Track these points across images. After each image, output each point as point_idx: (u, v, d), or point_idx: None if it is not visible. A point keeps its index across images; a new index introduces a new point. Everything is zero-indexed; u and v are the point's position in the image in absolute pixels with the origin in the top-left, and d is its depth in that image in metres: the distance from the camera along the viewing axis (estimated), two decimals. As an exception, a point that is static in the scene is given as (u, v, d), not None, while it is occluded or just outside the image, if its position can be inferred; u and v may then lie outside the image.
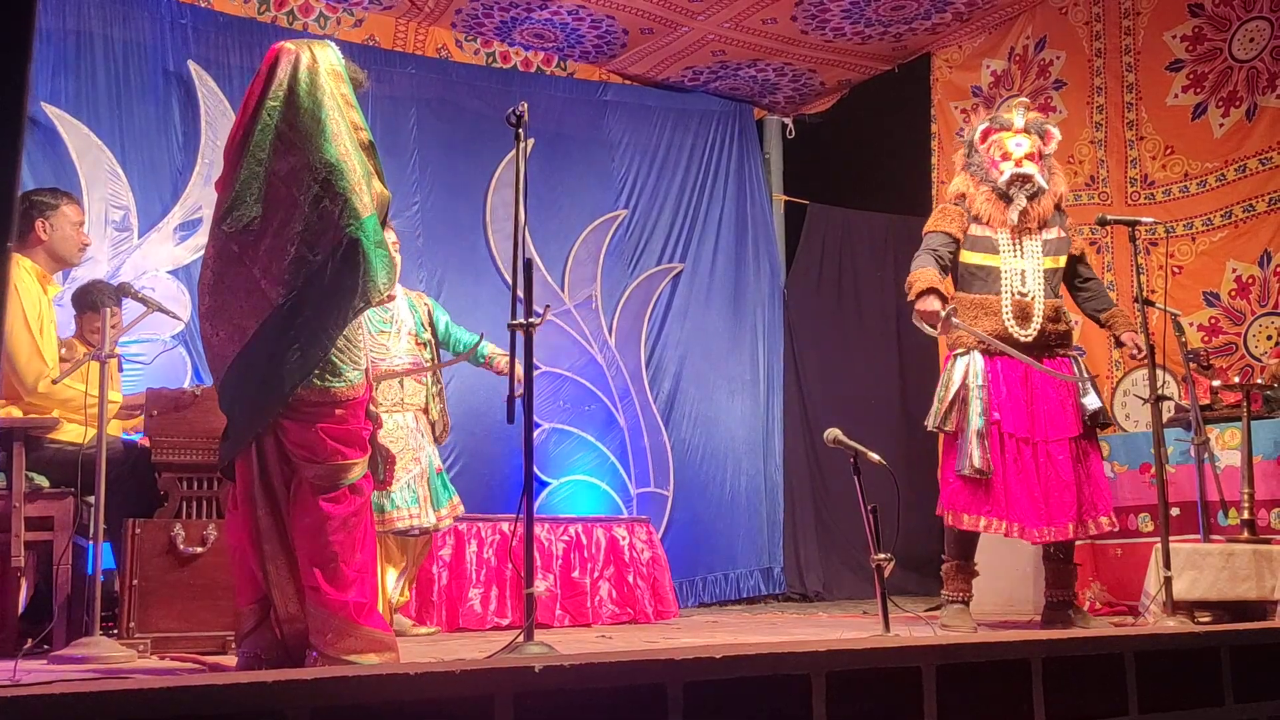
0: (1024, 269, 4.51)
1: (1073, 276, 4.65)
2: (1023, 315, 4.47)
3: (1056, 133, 4.69)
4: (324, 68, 2.96)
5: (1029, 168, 4.51)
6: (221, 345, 2.88)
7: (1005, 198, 4.53)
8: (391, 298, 3.04)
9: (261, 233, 2.86)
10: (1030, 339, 4.45)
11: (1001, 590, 5.61)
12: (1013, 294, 4.49)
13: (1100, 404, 4.46)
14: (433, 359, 4.92)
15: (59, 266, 4.26)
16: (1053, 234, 4.57)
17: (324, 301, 2.83)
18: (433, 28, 6.75)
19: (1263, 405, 4.66)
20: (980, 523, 4.47)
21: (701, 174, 7.55)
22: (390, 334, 4.74)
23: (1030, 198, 4.49)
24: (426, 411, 4.89)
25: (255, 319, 2.83)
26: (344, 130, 2.92)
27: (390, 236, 4.67)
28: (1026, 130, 4.60)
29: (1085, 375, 4.51)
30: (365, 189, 2.90)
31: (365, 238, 2.86)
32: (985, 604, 5.64)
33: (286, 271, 2.83)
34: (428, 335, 4.93)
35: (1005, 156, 4.55)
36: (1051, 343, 4.50)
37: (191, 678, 1.49)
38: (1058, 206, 4.61)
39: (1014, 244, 4.53)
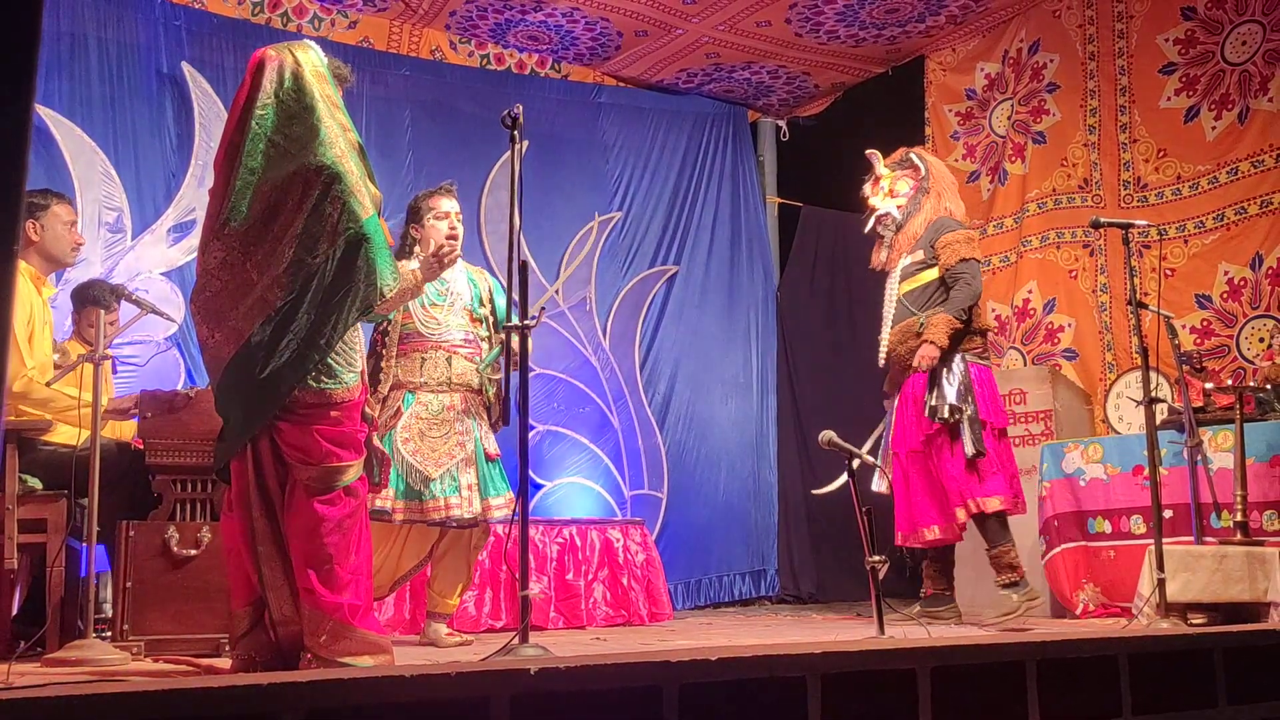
0: (886, 301, 5.03)
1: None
2: (882, 344, 5.00)
3: (919, 161, 5.09)
4: (308, 71, 2.96)
5: (882, 205, 5.08)
6: (218, 347, 2.88)
7: (880, 238, 5.11)
8: (386, 304, 3.03)
9: (259, 238, 2.86)
10: (884, 365, 5.01)
11: (994, 592, 5.61)
12: (880, 326, 5.03)
13: (934, 402, 4.72)
14: (488, 335, 4.54)
15: (53, 267, 4.26)
16: (910, 259, 4.96)
17: (322, 304, 2.83)
18: (427, 29, 6.75)
19: (1255, 407, 4.67)
20: (899, 537, 4.99)
21: (695, 176, 7.56)
22: (443, 307, 4.44)
23: (897, 230, 5.01)
24: (481, 393, 4.44)
25: (252, 321, 2.83)
26: (338, 133, 2.92)
27: (454, 205, 4.47)
28: (888, 171, 5.13)
29: (942, 381, 4.76)
30: (364, 191, 2.90)
31: (369, 239, 2.87)
32: (979, 606, 5.65)
33: (285, 275, 2.83)
34: (484, 311, 4.54)
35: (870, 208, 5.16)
36: (908, 361, 4.87)
37: (186, 680, 1.49)
38: (937, 229, 4.93)
39: (890, 280, 5.05)
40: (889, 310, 5.00)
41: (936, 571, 4.96)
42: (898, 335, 4.92)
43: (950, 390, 4.72)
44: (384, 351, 4.36)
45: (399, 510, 4.21)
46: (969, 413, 4.70)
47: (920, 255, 4.93)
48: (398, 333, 4.39)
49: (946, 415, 4.68)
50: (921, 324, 4.81)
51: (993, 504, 4.69)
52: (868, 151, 5.27)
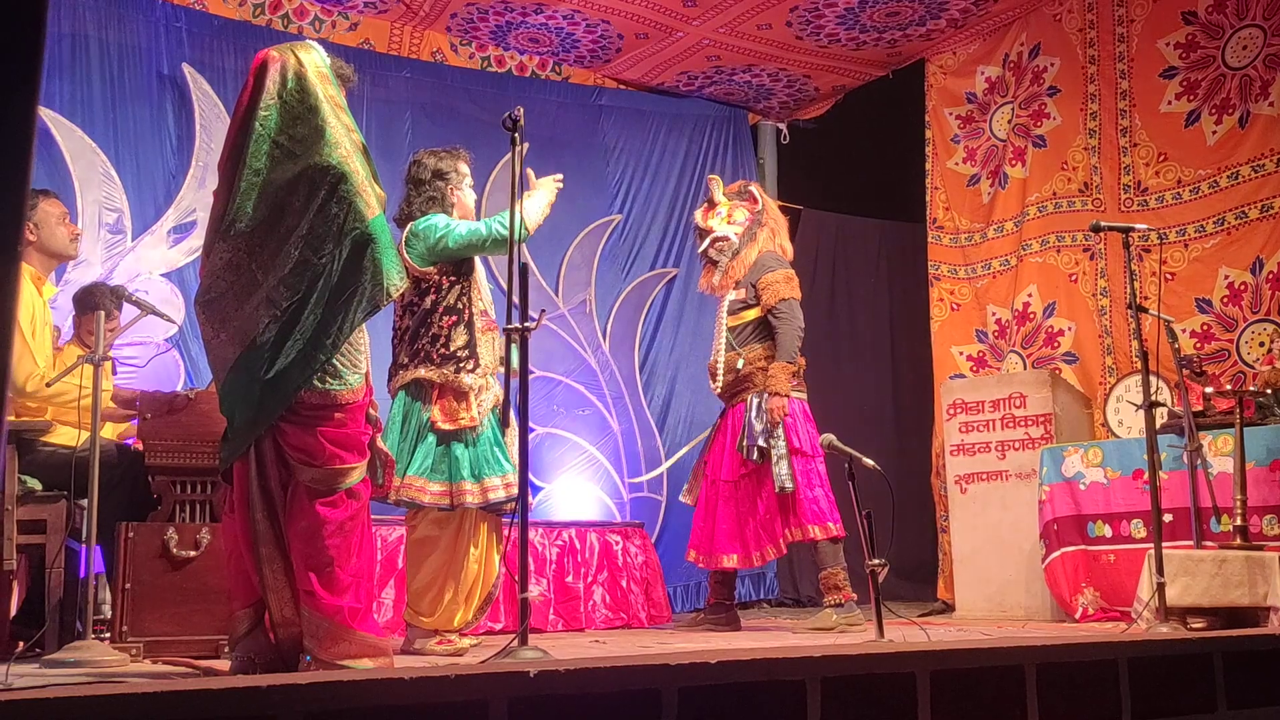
0: (717, 331, 5.22)
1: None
2: (712, 373, 5.19)
3: (758, 195, 5.29)
4: (311, 72, 2.96)
5: (720, 229, 5.21)
6: (223, 347, 2.88)
7: (713, 263, 5.24)
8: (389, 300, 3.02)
9: (265, 238, 2.86)
10: (719, 391, 5.18)
11: (992, 596, 5.62)
12: (711, 354, 5.23)
13: (745, 441, 4.94)
14: None
15: (55, 262, 4.26)
16: (734, 295, 5.15)
17: (329, 305, 2.83)
18: (428, 31, 6.75)
19: (1255, 412, 4.67)
20: (690, 554, 5.24)
21: (696, 179, 7.55)
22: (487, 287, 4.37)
23: (733, 256, 5.15)
24: None
25: (258, 322, 2.83)
26: (343, 134, 2.92)
27: (468, 180, 4.46)
28: (725, 199, 5.29)
29: (757, 416, 4.94)
30: (370, 191, 2.90)
31: (375, 239, 2.86)
32: (976, 608, 5.66)
33: (291, 275, 2.83)
34: None
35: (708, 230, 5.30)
36: (729, 394, 5.12)
37: (185, 682, 1.49)
38: (759, 269, 5.12)
39: (721, 308, 5.21)
40: (719, 342, 5.19)
41: (718, 582, 5.21)
42: (725, 366, 5.12)
43: (757, 428, 4.93)
44: (477, 323, 4.11)
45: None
46: (778, 449, 4.90)
47: (742, 294, 5.14)
48: (478, 306, 4.16)
49: (756, 457, 4.92)
50: (741, 363, 5.04)
51: (818, 531, 4.89)
52: (709, 176, 5.53)
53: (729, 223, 5.25)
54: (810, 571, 7.46)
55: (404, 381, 4.08)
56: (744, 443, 4.96)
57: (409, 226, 4.19)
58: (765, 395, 4.98)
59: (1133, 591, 4.38)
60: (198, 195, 5.75)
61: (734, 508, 5.05)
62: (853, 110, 7.66)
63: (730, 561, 5.04)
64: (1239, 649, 2.40)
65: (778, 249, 5.27)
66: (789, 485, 4.86)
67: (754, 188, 5.40)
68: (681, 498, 5.44)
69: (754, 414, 4.98)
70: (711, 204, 5.35)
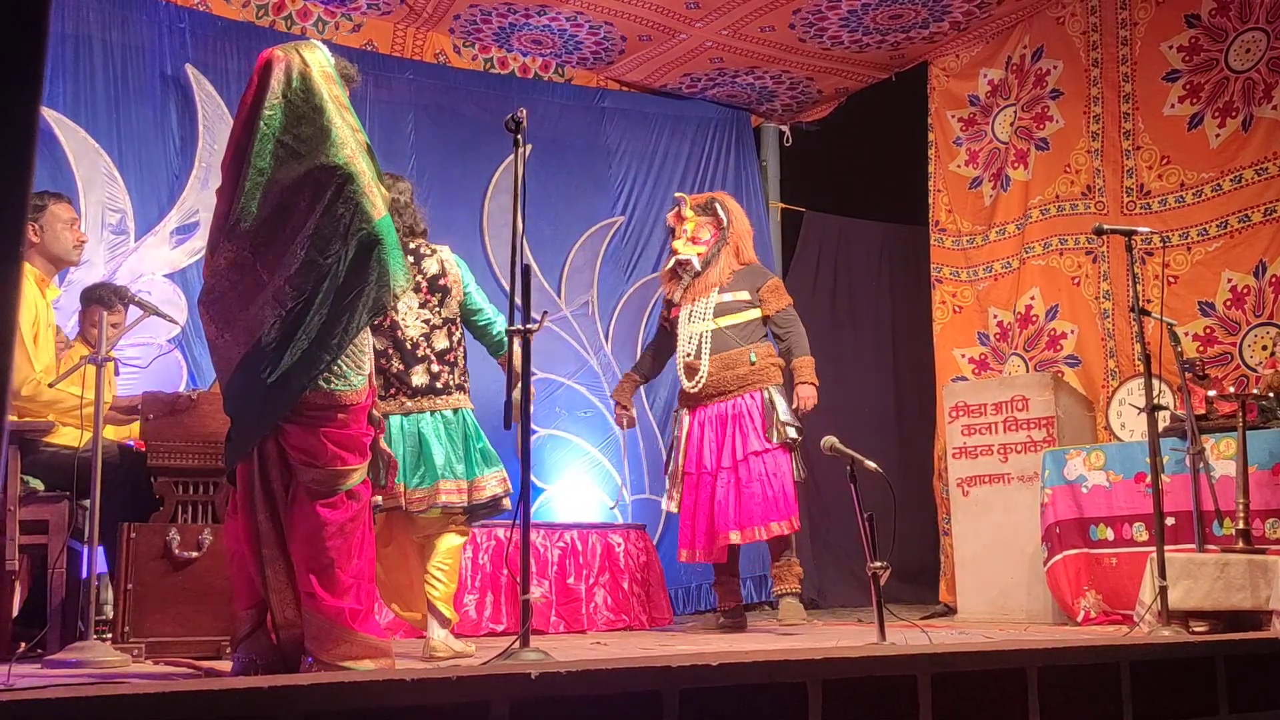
0: (693, 333, 5.33)
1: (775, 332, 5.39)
2: (690, 371, 5.32)
3: (722, 212, 5.39)
4: (315, 71, 2.95)
5: (684, 252, 5.35)
6: (227, 348, 2.88)
7: (676, 277, 5.42)
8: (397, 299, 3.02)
9: (270, 238, 2.86)
10: (697, 389, 5.28)
11: (994, 599, 5.61)
12: (683, 355, 5.36)
13: (778, 425, 5.13)
14: None
15: (57, 267, 4.26)
16: (730, 296, 5.31)
17: (335, 304, 2.83)
18: (431, 33, 6.76)
19: (1258, 415, 4.66)
20: (684, 554, 5.33)
21: (698, 181, 7.55)
22: None
23: (695, 276, 5.32)
24: None
25: (263, 322, 2.82)
26: (349, 134, 2.92)
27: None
28: (693, 214, 5.41)
29: (773, 408, 5.15)
30: (376, 191, 2.90)
31: (382, 240, 2.86)
32: (977, 611, 5.65)
33: (297, 275, 2.82)
34: None
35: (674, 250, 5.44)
36: (731, 387, 5.23)
37: (186, 683, 1.49)
38: (755, 274, 5.39)
39: (689, 313, 5.35)
40: (705, 341, 5.27)
41: (726, 590, 5.35)
42: (723, 362, 5.23)
43: (783, 416, 5.11)
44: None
45: None
46: (800, 438, 5.16)
47: (745, 295, 5.32)
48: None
49: (791, 436, 5.11)
50: (754, 357, 5.21)
51: (781, 527, 5.09)
52: (676, 194, 5.68)
53: (693, 243, 5.38)
54: (813, 574, 7.46)
55: (460, 404, 4.16)
56: (776, 425, 5.10)
57: (457, 261, 4.29)
58: (796, 385, 5.17)
59: (1135, 595, 4.38)
60: (201, 196, 5.75)
61: (734, 489, 5.14)
62: (855, 112, 7.66)
63: (735, 538, 5.12)
64: (1241, 652, 2.40)
65: (747, 259, 5.44)
66: (802, 473, 5.10)
67: (719, 203, 5.47)
68: (666, 506, 5.54)
69: (778, 402, 5.15)
70: (680, 217, 5.46)
